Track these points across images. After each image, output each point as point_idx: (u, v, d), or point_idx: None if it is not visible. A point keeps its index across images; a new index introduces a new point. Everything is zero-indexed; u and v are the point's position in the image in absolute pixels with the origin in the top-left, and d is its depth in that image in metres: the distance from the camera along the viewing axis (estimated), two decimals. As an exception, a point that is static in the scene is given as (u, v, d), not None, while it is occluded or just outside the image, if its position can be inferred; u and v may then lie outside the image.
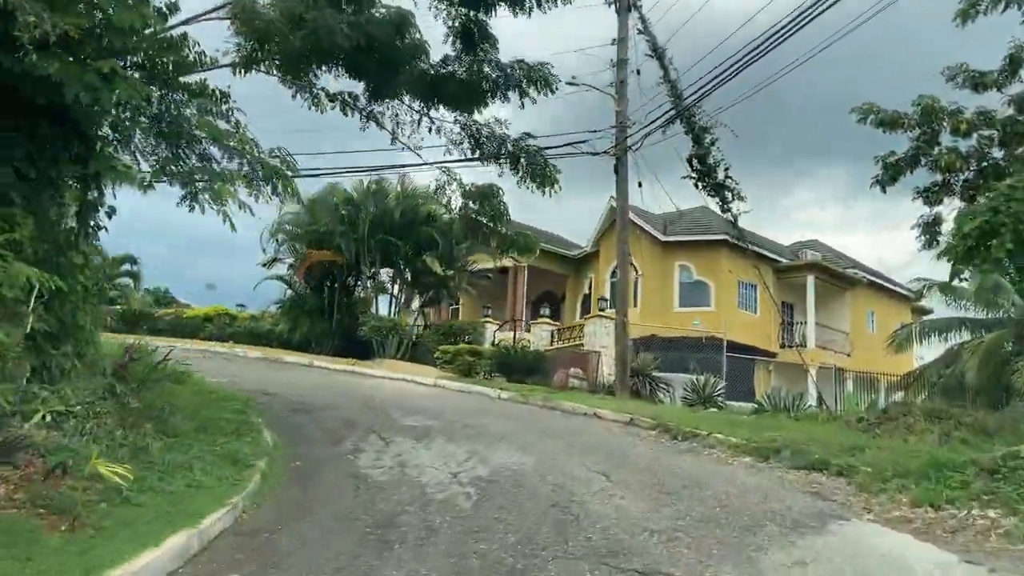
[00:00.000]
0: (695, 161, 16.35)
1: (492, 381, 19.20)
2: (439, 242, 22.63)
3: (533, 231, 34.01)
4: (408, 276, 24.27)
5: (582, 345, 21.72)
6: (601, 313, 21.81)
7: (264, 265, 24.04)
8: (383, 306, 24.76)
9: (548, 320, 24.03)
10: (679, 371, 19.90)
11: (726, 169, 16.46)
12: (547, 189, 11.77)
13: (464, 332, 23.56)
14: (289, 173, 8.78)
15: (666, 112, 15.82)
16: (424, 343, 22.78)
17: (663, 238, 27.22)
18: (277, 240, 24.07)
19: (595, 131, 16.72)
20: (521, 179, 11.62)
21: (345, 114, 11.11)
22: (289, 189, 8.65)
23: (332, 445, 9.05)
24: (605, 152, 17.04)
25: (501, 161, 11.66)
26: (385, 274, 24.91)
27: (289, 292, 24.88)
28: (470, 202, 12.59)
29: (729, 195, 16.34)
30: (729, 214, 16.70)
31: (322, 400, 13.01)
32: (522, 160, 11.54)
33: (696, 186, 16.58)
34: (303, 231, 23.64)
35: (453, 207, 14.94)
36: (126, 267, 31.33)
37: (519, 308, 29.30)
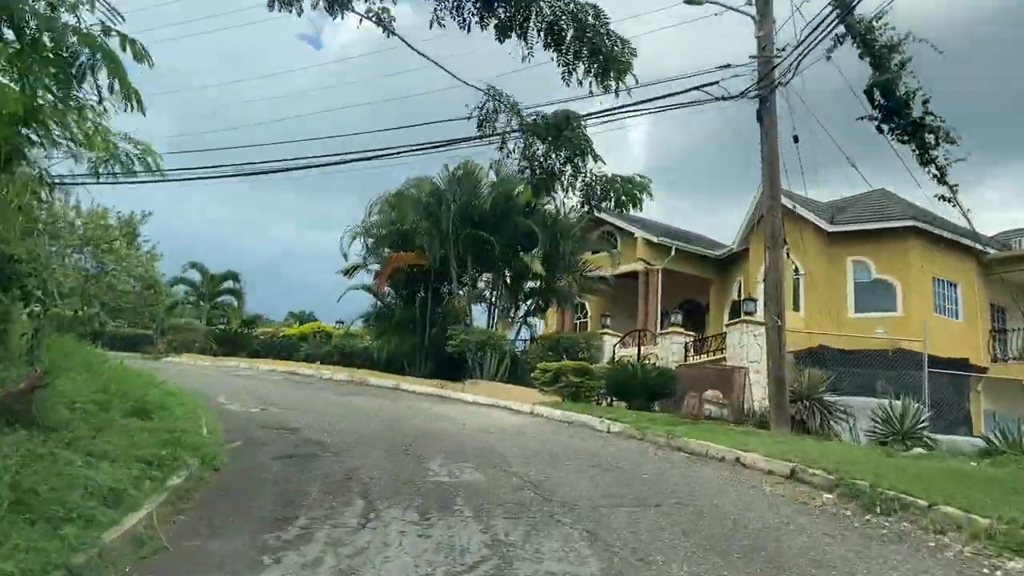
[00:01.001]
0: (878, 93, 11.63)
1: (606, 408, 15.24)
2: (539, 236, 18.99)
3: (668, 230, 29.74)
4: (507, 279, 20.77)
5: (724, 360, 17.17)
6: (748, 318, 17.16)
7: (345, 273, 21.47)
8: (483, 318, 21.43)
9: (679, 329, 19.53)
10: (861, 393, 14.89)
11: (925, 101, 11.61)
12: (615, 81, 7.84)
13: (576, 347, 19.69)
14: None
15: (830, 21, 11.25)
16: (529, 360, 19.11)
17: (830, 228, 21.95)
18: (367, 245, 21.38)
19: (727, 66, 12.41)
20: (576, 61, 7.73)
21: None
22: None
23: (272, 525, 5.56)
24: (743, 95, 12.66)
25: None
26: (480, 279, 21.52)
27: (377, 303, 22.12)
28: (536, 140, 8.83)
29: (932, 137, 11.46)
30: (932, 167, 11.75)
31: (350, 438, 9.70)
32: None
33: (879, 129, 11.84)
34: (386, 231, 20.82)
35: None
36: (228, 284, 30.40)
37: (651, 319, 24.99)
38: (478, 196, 19.36)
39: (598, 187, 10.11)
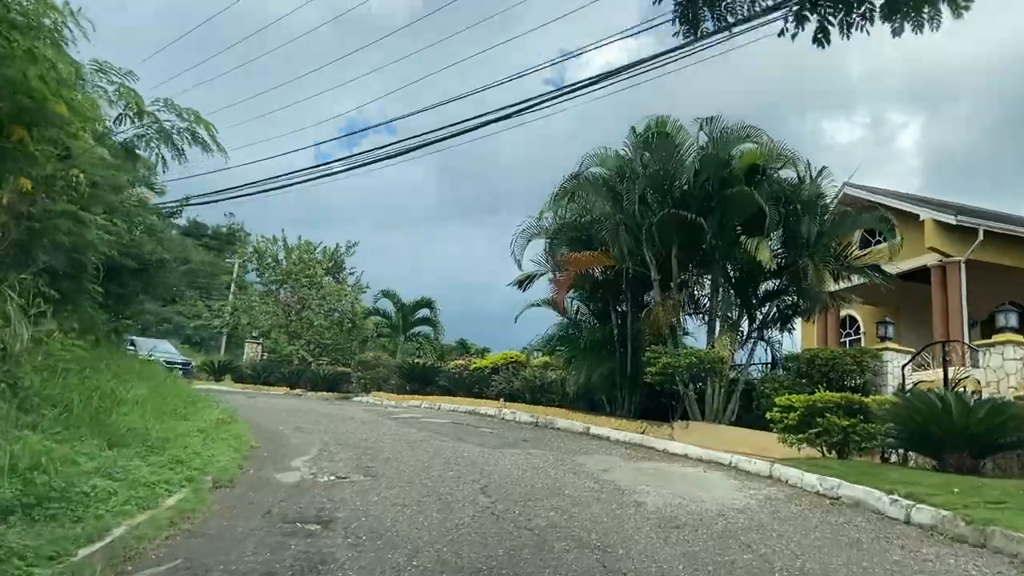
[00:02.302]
0: None
1: (897, 470, 9.49)
2: (769, 215, 13.40)
3: (965, 208, 21.93)
4: (730, 277, 15.27)
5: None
6: None
7: (519, 285, 17.29)
8: (700, 333, 16.04)
9: (1018, 336, 12.51)
10: None
11: None
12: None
13: (842, 369, 13.64)
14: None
15: None
16: (768, 392, 13.48)
17: None
18: (545, 248, 17.14)
19: None
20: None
21: None
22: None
23: None
24: None
25: None
26: (691, 279, 16.13)
27: (564, 321, 17.69)
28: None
29: None
30: None
31: (400, 552, 5.41)
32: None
33: None
34: (561, 224, 16.41)
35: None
36: (423, 313, 28.05)
37: (952, 329, 17.79)
38: (679, 165, 14.22)
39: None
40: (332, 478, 8.22)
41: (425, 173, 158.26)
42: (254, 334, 32.25)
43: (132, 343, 25.69)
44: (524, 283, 17.34)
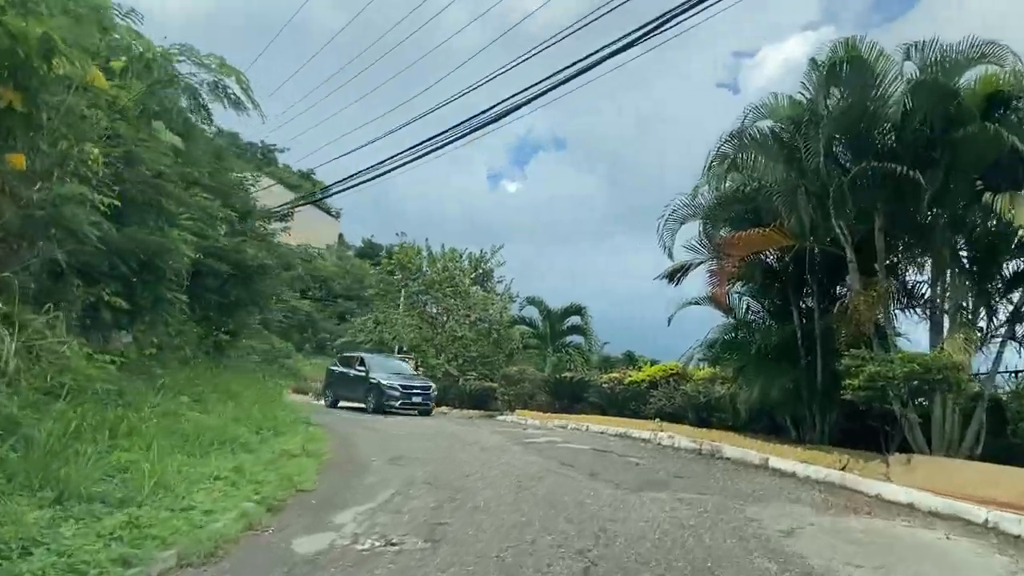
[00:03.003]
0: None
1: None
2: (1025, 156, 9.38)
3: None
4: (964, 252, 11.23)
5: None
6: None
7: (669, 279, 14.06)
8: (920, 332, 12.04)
9: None
10: None
11: None
12: None
13: None
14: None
15: None
16: (1030, 411, 9.47)
17: None
18: (703, 230, 13.86)
19: None
20: None
21: None
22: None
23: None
24: None
25: None
26: (905, 260, 12.15)
27: (731, 321, 14.25)
28: None
29: None
30: None
31: None
32: None
33: None
34: (719, 199, 13.03)
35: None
36: (572, 321, 25.30)
37: None
38: (881, 102, 10.47)
39: None
40: (376, 544, 5.78)
41: (596, 183, 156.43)
42: (403, 348, 31.25)
43: (362, 361, 22.65)
44: (676, 275, 14.12)
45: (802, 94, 11.36)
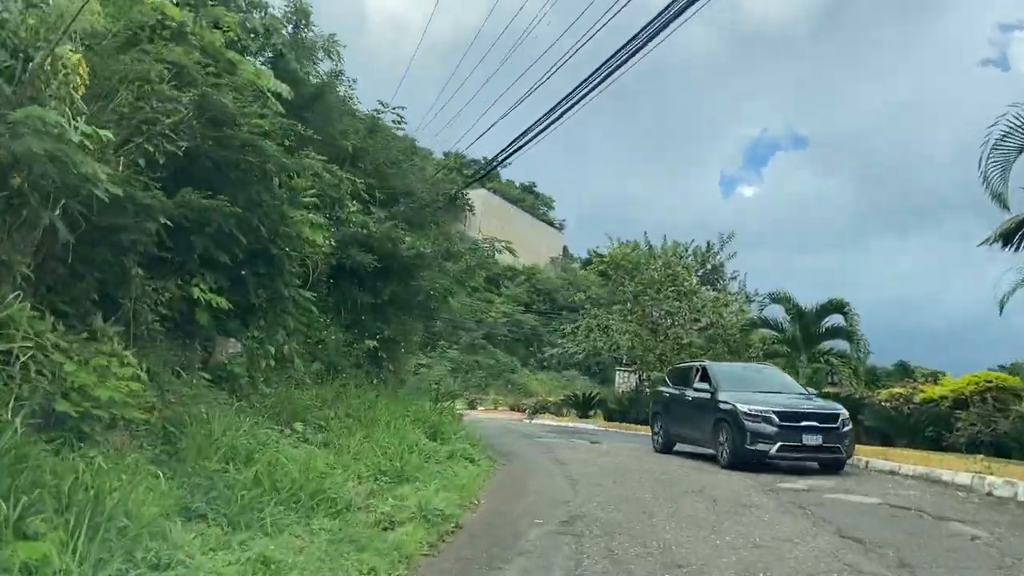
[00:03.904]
0: None
1: None
2: None
3: None
4: None
5: None
6: None
7: (1003, 242, 8.92)
8: None
9: None
10: None
11: None
12: None
13: None
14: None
15: None
16: None
17: None
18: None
19: None
20: None
21: None
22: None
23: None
24: None
25: None
26: None
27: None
28: None
29: None
30: None
31: None
32: None
33: None
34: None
35: None
36: (832, 321, 19.85)
37: None
38: None
39: None
40: None
41: (843, 181, 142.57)
42: (624, 359, 27.68)
43: (702, 374, 13.55)
44: (1014, 237, 9.08)
45: None
